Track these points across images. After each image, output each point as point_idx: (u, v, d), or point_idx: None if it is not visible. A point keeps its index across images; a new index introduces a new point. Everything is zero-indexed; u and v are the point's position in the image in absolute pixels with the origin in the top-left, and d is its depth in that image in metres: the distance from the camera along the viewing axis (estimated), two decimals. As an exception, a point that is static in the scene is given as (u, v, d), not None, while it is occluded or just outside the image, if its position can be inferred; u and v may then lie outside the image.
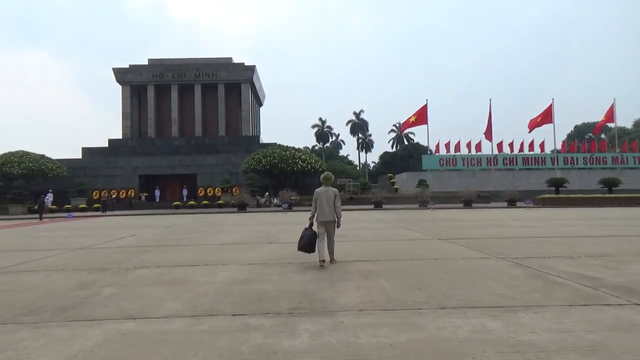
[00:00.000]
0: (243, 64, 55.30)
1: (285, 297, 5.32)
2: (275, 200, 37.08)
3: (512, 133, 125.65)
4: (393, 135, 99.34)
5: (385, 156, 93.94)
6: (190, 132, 54.55)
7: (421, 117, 53.04)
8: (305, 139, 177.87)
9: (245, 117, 55.26)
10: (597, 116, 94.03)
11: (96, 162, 46.83)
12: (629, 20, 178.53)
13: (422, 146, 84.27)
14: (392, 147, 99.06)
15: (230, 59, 57.02)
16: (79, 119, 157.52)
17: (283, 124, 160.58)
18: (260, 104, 67.45)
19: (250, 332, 3.99)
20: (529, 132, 50.95)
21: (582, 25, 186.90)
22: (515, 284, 5.89)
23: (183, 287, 6.07)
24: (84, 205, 38.83)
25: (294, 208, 32.48)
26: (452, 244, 10.43)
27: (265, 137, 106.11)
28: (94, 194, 43.94)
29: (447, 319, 4.30)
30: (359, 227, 16.30)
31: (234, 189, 42.68)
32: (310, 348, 3.55)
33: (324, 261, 7.52)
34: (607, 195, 33.92)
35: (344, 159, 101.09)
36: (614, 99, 51.21)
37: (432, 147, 55.54)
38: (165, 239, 13.17)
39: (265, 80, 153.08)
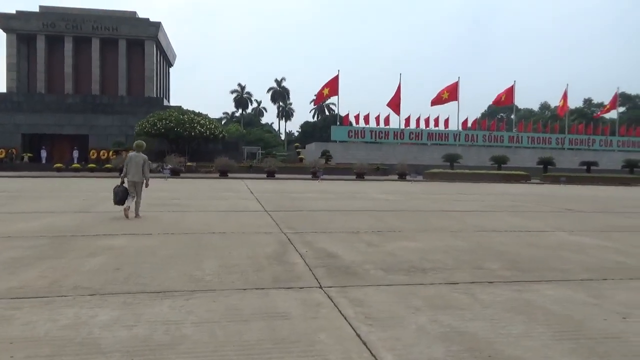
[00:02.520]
0: (148, 19, 51.48)
1: None
2: (169, 166, 35.26)
3: (424, 110, 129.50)
4: (315, 105, 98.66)
5: (305, 126, 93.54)
6: (86, 89, 50.38)
7: (333, 88, 52.83)
8: (225, 105, 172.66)
9: (149, 77, 51.87)
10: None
11: (-31, 117, 42.06)
12: (550, 9, 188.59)
13: (342, 117, 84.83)
14: (314, 117, 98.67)
15: (134, 13, 52.91)
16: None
17: (206, 89, 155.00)
18: (170, 65, 63.77)
19: None
20: (431, 105, 52.47)
21: (505, 11, 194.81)
22: (240, 263, 5.39)
23: None
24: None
25: (182, 175, 31.04)
26: (269, 217, 9.94)
27: (182, 101, 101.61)
28: (-35, 152, 39.63)
29: (59, 309, 3.62)
30: (213, 196, 15.59)
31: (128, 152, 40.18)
32: None
33: (128, 213, 9.04)
34: (491, 172, 35.65)
35: (265, 126, 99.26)
36: (514, 81, 53.80)
37: (351, 118, 55.61)
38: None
39: (190, 43, 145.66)
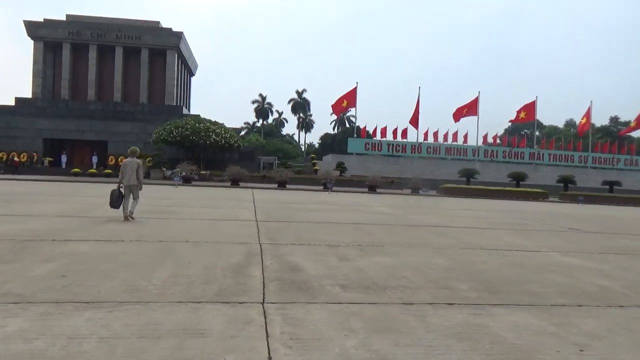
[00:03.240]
0: (170, 29, 52.45)
1: None
2: (182, 173, 35.37)
3: (444, 124, 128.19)
4: (335, 117, 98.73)
5: (325, 138, 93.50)
6: (109, 97, 51.44)
7: (351, 100, 52.77)
8: (247, 115, 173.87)
9: (170, 86, 52.64)
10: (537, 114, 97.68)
11: (-5, 121, 43.25)
12: (577, 21, 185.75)
13: (359, 129, 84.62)
14: (334, 129, 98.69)
15: (158, 23, 53.95)
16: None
17: (229, 99, 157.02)
18: (192, 74, 64.72)
19: None
20: (455, 121, 51.85)
21: (531, 24, 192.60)
22: (194, 274, 5.17)
23: None
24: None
25: (194, 183, 31.17)
26: (255, 227, 9.73)
27: (205, 111, 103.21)
28: (-10, 154, 40.71)
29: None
30: (212, 204, 15.48)
31: (152, 160, 40.74)
32: None
33: (127, 216, 9.68)
34: (508, 189, 34.78)
35: (285, 137, 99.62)
36: (536, 96, 52.75)
37: (370, 131, 55.47)
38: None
39: (216, 53, 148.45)
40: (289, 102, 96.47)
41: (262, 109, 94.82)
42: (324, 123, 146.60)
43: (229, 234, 8.42)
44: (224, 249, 6.87)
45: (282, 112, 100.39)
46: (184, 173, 31.68)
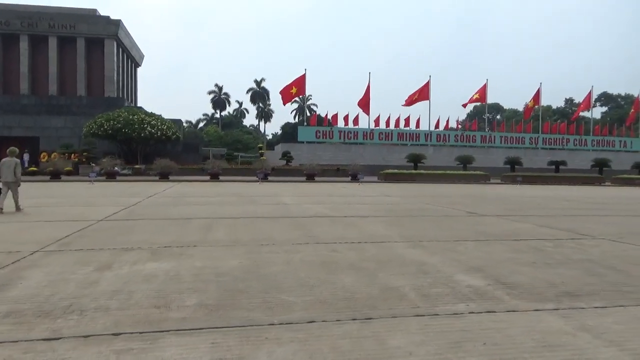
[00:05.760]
0: (108, 17, 50.00)
1: None
2: (116, 168, 33.47)
3: (397, 110, 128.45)
4: (295, 106, 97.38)
5: (286, 127, 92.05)
6: (44, 90, 48.79)
7: (300, 86, 51.43)
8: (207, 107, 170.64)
9: (109, 77, 50.27)
10: (499, 98, 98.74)
11: None
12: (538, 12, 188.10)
13: (322, 118, 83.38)
14: (295, 118, 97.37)
15: (94, 10, 51.34)
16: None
17: (191, 90, 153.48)
18: (137, 65, 62.15)
19: None
20: (403, 105, 51.21)
21: (493, 11, 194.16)
22: None
23: None
24: None
25: (119, 178, 29.40)
26: (81, 227, 8.39)
27: (162, 104, 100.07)
28: None
29: None
30: (91, 202, 14.04)
31: (82, 155, 38.61)
32: None
33: (1, 209, 10.41)
34: (450, 172, 34.21)
35: (245, 128, 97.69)
36: (487, 79, 52.54)
37: (328, 118, 54.35)
38: None
39: (176, 45, 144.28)
40: (247, 91, 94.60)
41: (219, 99, 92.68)
42: (285, 112, 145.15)
43: (24, 241, 7.05)
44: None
45: (242, 102, 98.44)
46: (96, 168, 29.77)
